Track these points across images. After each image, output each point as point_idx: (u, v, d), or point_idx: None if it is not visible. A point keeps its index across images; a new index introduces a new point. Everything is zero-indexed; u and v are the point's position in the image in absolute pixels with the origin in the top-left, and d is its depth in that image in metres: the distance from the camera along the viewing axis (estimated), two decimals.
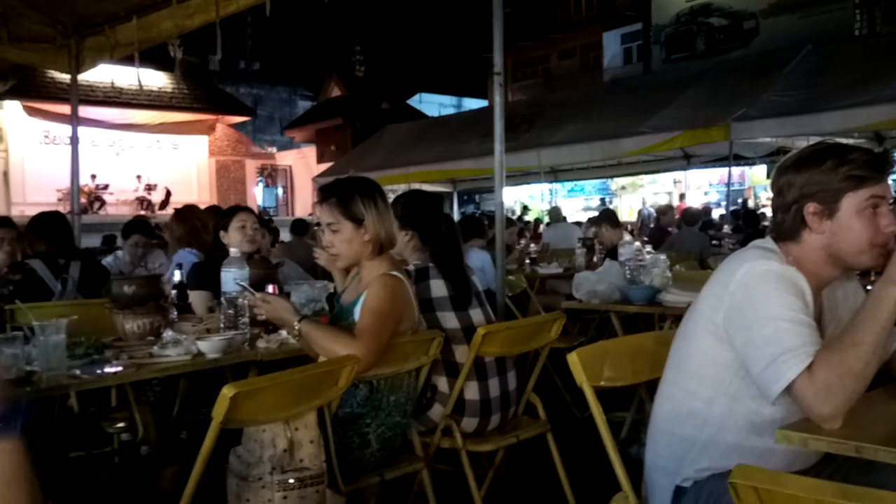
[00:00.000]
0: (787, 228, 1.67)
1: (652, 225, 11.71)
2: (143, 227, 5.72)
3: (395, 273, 2.40)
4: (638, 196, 21.07)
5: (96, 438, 3.46)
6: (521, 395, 2.86)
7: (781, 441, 1.42)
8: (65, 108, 14.70)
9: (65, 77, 12.36)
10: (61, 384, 2.23)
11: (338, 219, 2.39)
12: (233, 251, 2.93)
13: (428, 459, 2.53)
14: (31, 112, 15.29)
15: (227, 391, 1.73)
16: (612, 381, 1.90)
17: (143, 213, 15.35)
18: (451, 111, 24.32)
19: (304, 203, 19.61)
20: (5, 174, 15.93)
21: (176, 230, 3.90)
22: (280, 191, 20.59)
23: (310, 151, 20.88)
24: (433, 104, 24.90)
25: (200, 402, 2.96)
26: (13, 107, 14.88)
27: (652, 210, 15.43)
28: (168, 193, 17.57)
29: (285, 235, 8.43)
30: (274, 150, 21.66)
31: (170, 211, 15.42)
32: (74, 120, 5.62)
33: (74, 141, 5.56)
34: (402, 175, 12.68)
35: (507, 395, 2.78)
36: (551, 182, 14.35)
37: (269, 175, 20.39)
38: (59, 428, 3.04)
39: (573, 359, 1.81)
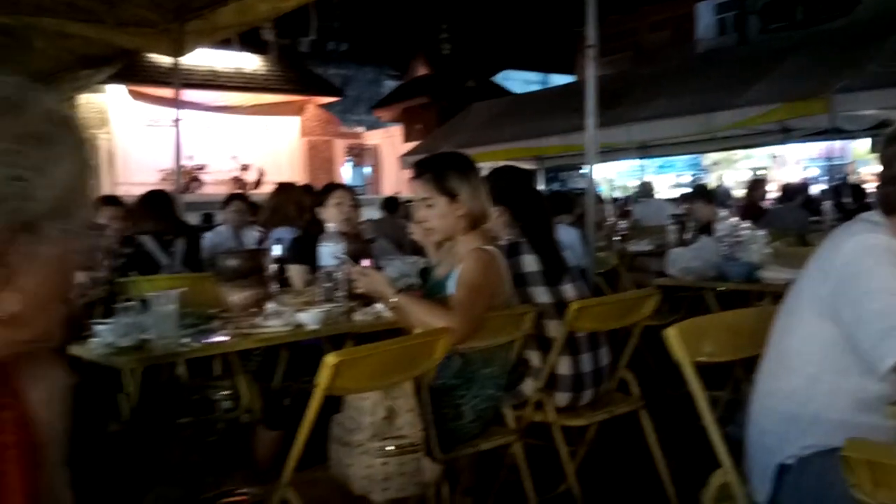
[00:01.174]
0: (894, 201, 1.61)
1: (729, 202, 11.30)
2: (240, 195, 6.00)
3: (488, 248, 2.42)
4: (732, 172, 20.41)
5: (201, 406, 3.64)
6: (613, 371, 2.84)
7: (891, 417, 1.38)
8: (165, 92, 15.30)
9: (165, 61, 12.83)
10: (174, 352, 2.37)
11: (432, 194, 2.43)
12: (330, 227, 3.01)
13: (520, 432, 2.56)
14: (135, 95, 15.98)
15: (331, 359, 1.79)
16: (712, 356, 1.87)
17: (238, 191, 15.87)
18: (536, 88, 24.06)
19: (391, 182, 19.83)
20: (110, 155, 16.71)
21: (274, 207, 4.03)
22: (368, 170, 20.87)
23: (396, 131, 21.06)
24: (518, 81, 24.68)
25: (300, 371, 3.08)
26: (117, 91, 15.57)
27: (728, 187, 14.94)
28: (261, 173, 18.06)
29: (372, 213, 8.57)
30: (362, 129, 21.96)
31: (263, 190, 15.83)
32: (177, 103, 5.83)
33: (177, 123, 5.78)
34: (487, 153, 12.63)
35: (599, 371, 2.78)
36: (641, 158, 14.04)
37: (357, 154, 20.68)
38: (169, 395, 3.21)
39: (672, 333, 1.79)
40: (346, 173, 20.02)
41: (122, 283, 3.53)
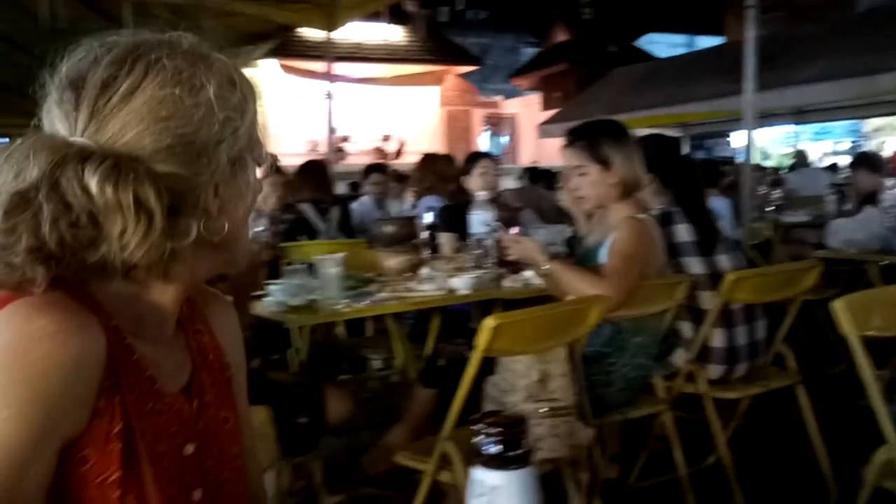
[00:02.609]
0: None
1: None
2: (379, 167, 6.19)
3: (641, 216, 2.41)
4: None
5: (356, 364, 3.85)
6: (769, 344, 2.77)
7: None
8: (314, 66, 15.90)
9: (314, 36, 13.27)
10: (338, 312, 2.53)
11: (585, 162, 2.44)
12: (480, 195, 3.09)
13: (670, 403, 2.56)
14: (286, 69, 16.72)
15: (489, 322, 1.86)
16: (882, 330, 1.81)
17: (377, 162, 16.34)
18: (681, 51, 23.10)
19: (528, 151, 19.75)
20: (263, 128, 17.61)
21: (421, 176, 4.14)
22: (505, 139, 20.87)
23: (534, 99, 20.88)
24: (662, 44, 23.75)
25: (449, 335, 3.20)
26: (270, 65, 16.32)
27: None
28: (402, 143, 18.48)
29: (508, 183, 8.59)
30: (500, 98, 21.94)
31: (404, 160, 16.19)
32: (329, 76, 6.06)
33: (330, 96, 6.01)
34: (629, 120, 12.28)
35: (755, 344, 2.71)
36: (795, 124, 13.27)
37: (495, 124, 20.71)
38: (329, 353, 3.42)
39: (840, 305, 1.74)
40: (483, 143, 20.11)
41: (285, 248, 3.77)
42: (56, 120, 0.78)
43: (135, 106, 0.76)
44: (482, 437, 0.48)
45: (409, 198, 5.89)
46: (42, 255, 0.71)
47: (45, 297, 0.72)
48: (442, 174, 4.15)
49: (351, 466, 2.86)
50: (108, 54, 0.78)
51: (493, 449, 0.48)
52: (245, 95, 0.84)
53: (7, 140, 0.86)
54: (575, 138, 2.47)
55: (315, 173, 4.30)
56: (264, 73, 16.80)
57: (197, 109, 0.78)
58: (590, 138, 2.44)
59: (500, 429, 0.48)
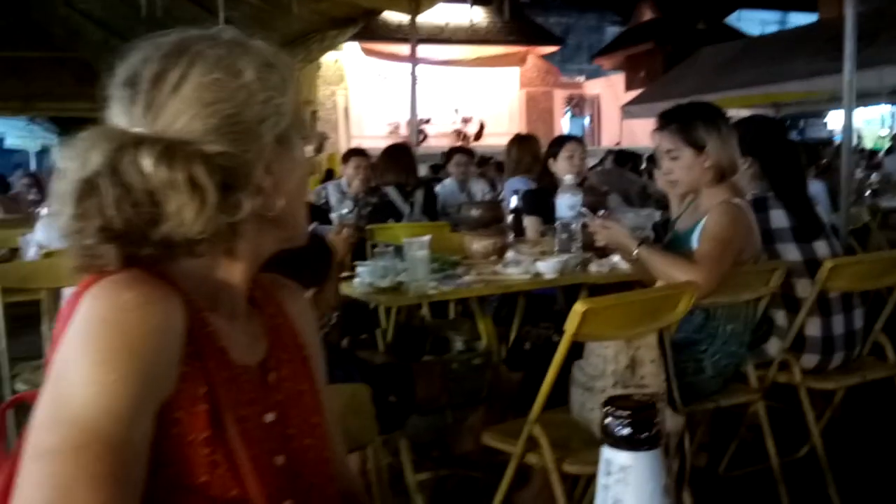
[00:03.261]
0: None
1: None
2: (462, 150, 6.19)
3: (736, 201, 2.36)
4: None
5: (440, 346, 3.89)
6: (867, 334, 2.67)
7: None
8: (396, 48, 16.01)
9: (396, 18, 13.32)
10: (426, 293, 2.56)
11: (677, 145, 2.39)
12: (567, 179, 3.07)
13: (763, 392, 2.50)
14: (368, 52, 16.89)
15: (579, 307, 1.85)
16: None
17: (459, 143, 16.36)
18: (773, 28, 22.23)
19: (610, 132, 19.43)
20: (346, 110, 17.86)
21: (515, 157, 4.13)
22: (587, 120, 20.59)
23: (618, 79, 20.50)
24: (754, 21, 22.89)
25: (533, 318, 3.20)
26: (352, 48, 16.53)
27: None
28: (482, 126, 18.45)
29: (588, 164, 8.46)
30: (582, 79, 21.62)
31: (484, 142, 16.18)
32: (413, 59, 6.09)
33: (414, 78, 6.05)
34: (718, 100, 11.95)
35: (852, 334, 2.62)
36: (892, 104, 12.62)
37: (577, 105, 20.44)
38: (415, 334, 3.47)
39: None
40: (564, 124, 19.89)
41: (371, 230, 3.84)
42: (116, 116, 0.86)
43: (184, 94, 0.83)
44: (612, 419, 0.49)
45: (485, 181, 5.90)
46: (111, 234, 0.79)
47: (127, 275, 0.79)
48: (536, 155, 4.13)
49: (435, 446, 2.91)
50: (158, 52, 0.86)
51: (624, 431, 0.49)
52: (284, 77, 0.88)
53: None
54: (667, 121, 2.43)
55: (399, 157, 4.36)
56: (346, 57, 17.04)
57: (239, 91, 0.84)
58: (683, 121, 2.39)
59: (629, 412, 0.49)
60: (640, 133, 17.50)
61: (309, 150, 1.04)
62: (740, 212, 2.33)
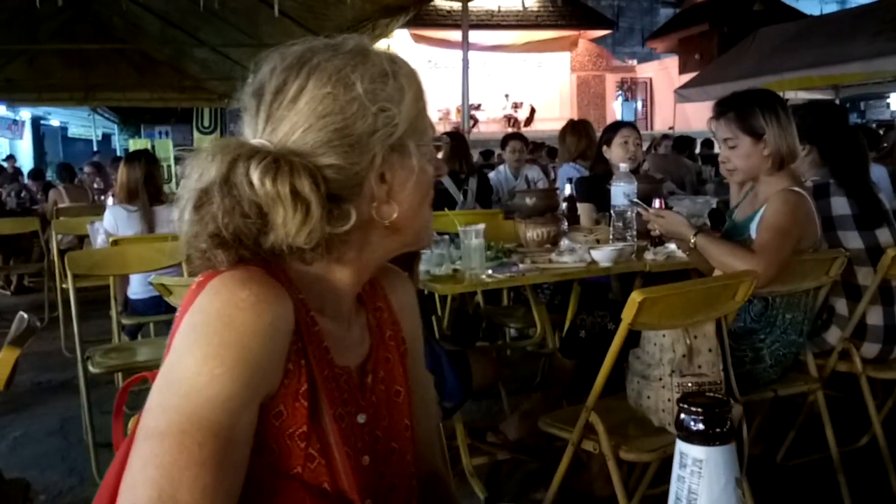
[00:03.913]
0: None
1: None
2: (517, 135, 6.17)
3: (796, 189, 2.33)
4: None
5: (493, 332, 3.93)
6: None
7: None
8: (446, 34, 16.03)
9: (446, 4, 13.27)
10: (482, 281, 2.59)
11: (735, 133, 2.37)
12: (622, 166, 3.05)
13: (822, 381, 2.47)
14: (417, 39, 16.94)
15: (637, 296, 1.86)
16: None
17: (510, 129, 16.32)
18: (833, 8, 21.58)
19: (664, 116, 19.13)
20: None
21: (569, 143, 4.12)
22: (639, 104, 20.32)
23: (671, 62, 20.16)
24: (814, 1, 22.28)
25: (587, 306, 3.20)
26: (401, 35, 16.60)
27: None
28: (532, 111, 18.38)
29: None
30: (634, 62, 21.33)
31: (534, 128, 16.05)
32: (465, 44, 6.10)
33: (465, 64, 6.06)
34: (775, 82, 11.67)
35: None
36: None
37: (629, 89, 20.19)
38: (470, 320, 3.51)
39: None
40: (616, 108, 19.65)
41: None
42: (245, 126, 0.90)
43: (300, 107, 0.86)
44: (687, 414, 0.52)
45: (539, 167, 5.88)
46: (220, 241, 0.83)
47: (246, 272, 0.82)
48: (591, 141, 4.10)
49: (490, 431, 2.95)
50: (282, 63, 0.88)
51: (698, 426, 0.52)
52: (402, 85, 0.89)
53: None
54: (724, 109, 2.40)
55: (453, 145, 4.38)
56: (396, 44, 17.10)
57: (350, 104, 0.85)
58: (740, 109, 2.36)
59: (703, 408, 0.52)
60: (694, 117, 17.19)
61: (439, 154, 1.03)
62: (800, 200, 2.30)
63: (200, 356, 0.76)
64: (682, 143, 7.89)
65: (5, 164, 12.77)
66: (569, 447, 2.05)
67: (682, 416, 0.52)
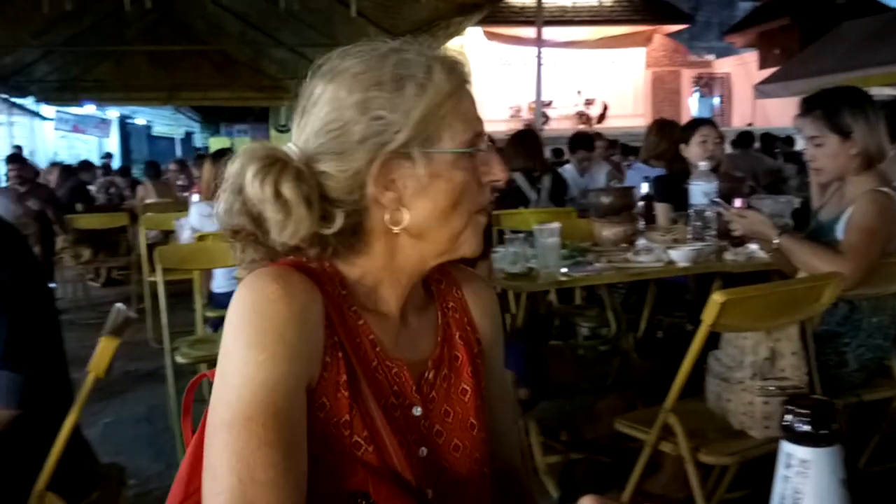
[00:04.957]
0: None
1: None
2: (585, 144, 6.02)
3: (884, 189, 2.26)
4: None
5: (566, 331, 3.93)
6: None
7: None
8: (518, 31, 15.96)
9: (518, 1, 13.22)
10: (556, 280, 2.60)
11: (822, 132, 2.31)
12: (702, 165, 3.01)
13: None
14: (490, 37, 16.92)
15: (718, 297, 1.84)
16: None
17: (581, 126, 16.15)
18: None
19: (741, 113, 18.63)
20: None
21: (654, 142, 4.05)
22: (716, 100, 19.81)
23: (750, 57, 19.57)
24: None
25: (663, 307, 3.17)
26: (474, 33, 16.61)
27: None
28: (605, 107, 18.13)
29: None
30: (711, 57, 20.80)
31: (607, 125, 15.82)
32: (539, 41, 6.08)
33: (539, 61, 6.04)
34: (859, 78, 11.24)
35: None
36: None
37: (706, 84, 19.68)
38: (543, 319, 3.51)
39: None
40: (692, 105, 19.21)
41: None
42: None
43: (316, 112, 0.90)
44: (793, 416, 0.53)
45: (611, 165, 5.78)
46: (243, 236, 0.91)
47: (276, 268, 0.88)
48: (675, 140, 4.02)
49: (563, 430, 2.95)
50: (319, 68, 0.92)
51: (804, 428, 0.53)
52: (410, 93, 0.87)
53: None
54: (811, 107, 2.34)
55: (527, 142, 4.36)
56: (468, 42, 17.12)
57: (348, 111, 0.88)
58: (827, 107, 2.30)
59: (809, 409, 0.53)
60: (774, 114, 16.69)
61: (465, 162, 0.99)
62: (888, 201, 2.23)
63: (243, 346, 0.82)
64: (745, 139, 7.64)
65: (98, 163, 13.32)
66: (645, 448, 2.05)
67: (789, 417, 0.53)
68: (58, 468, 1.69)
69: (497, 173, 0.93)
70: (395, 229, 0.90)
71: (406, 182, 0.88)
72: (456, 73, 0.90)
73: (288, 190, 0.86)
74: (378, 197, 0.88)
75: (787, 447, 0.54)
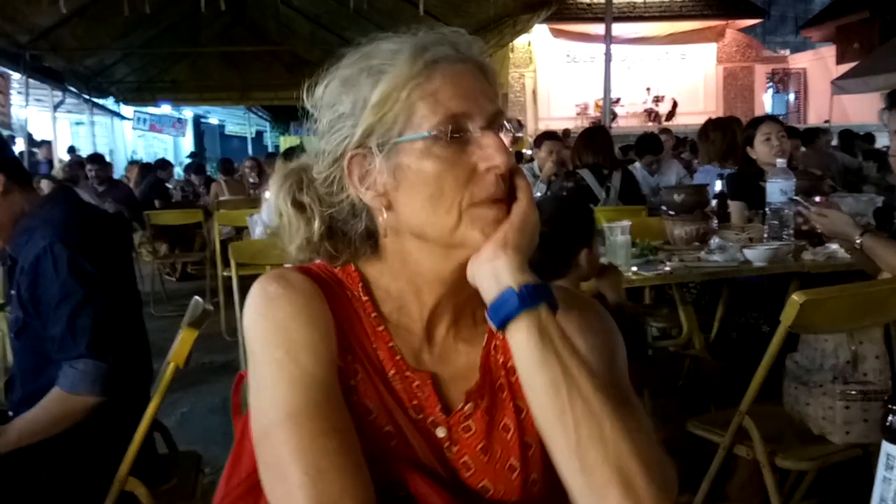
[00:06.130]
0: None
1: None
2: (653, 147, 5.88)
3: None
4: None
5: (634, 331, 3.85)
6: None
7: None
8: (586, 28, 15.79)
9: None
10: (627, 279, 2.56)
11: None
12: (779, 162, 2.93)
13: None
14: (556, 34, 16.78)
15: (798, 298, 1.79)
16: None
17: (650, 124, 15.88)
18: None
19: (818, 109, 18.03)
20: (534, 93, 17.88)
21: (712, 143, 3.97)
22: (791, 96, 19.22)
23: (828, 52, 18.91)
24: None
25: (737, 307, 3.09)
26: (541, 30, 16.50)
27: None
28: (675, 104, 17.79)
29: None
30: (786, 52, 20.20)
31: (676, 122, 15.51)
32: (608, 38, 6.01)
33: (608, 58, 5.97)
34: None
35: None
36: None
37: (781, 80, 19.12)
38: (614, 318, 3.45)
39: None
40: (766, 101, 18.69)
41: None
42: None
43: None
44: (894, 416, 0.51)
45: (681, 163, 5.67)
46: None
47: (279, 270, 0.89)
48: (733, 140, 3.91)
49: None
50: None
51: None
52: (379, 72, 0.82)
53: None
54: None
55: (597, 139, 4.31)
56: (535, 39, 17.01)
57: (324, 111, 0.88)
58: None
59: None
60: (852, 110, 16.10)
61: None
62: None
63: (260, 348, 0.84)
64: (809, 135, 7.35)
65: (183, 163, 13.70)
66: (720, 451, 2.00)
67: (892, 417, 0.52)
68: (139, 454, 1.75)
69: (495, 159, 0.81)
70: (386, 229, 0.86)
71: (380, 178, 0.83)
72: (426, 54, 0.82)
73: (282, 200, 0.90)
74: (361, 197, 0.86)
75: (888, 448, 0.52)
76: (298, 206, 0.89)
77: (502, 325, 0.80)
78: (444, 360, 0.91)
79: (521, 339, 0.79)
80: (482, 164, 0.82)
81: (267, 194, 4.72)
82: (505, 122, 0.86)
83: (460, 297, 0.90)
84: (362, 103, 0.82)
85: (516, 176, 0.84)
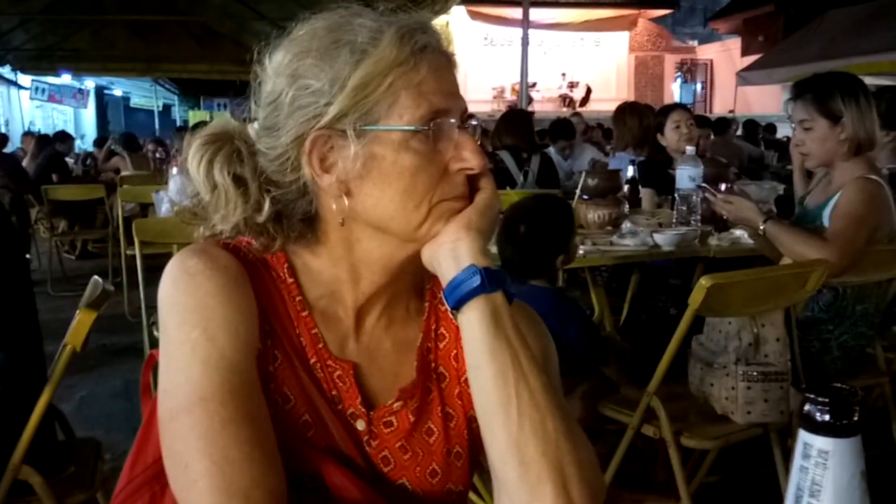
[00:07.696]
0: None
1: None
2: (566, 132, 5.98)
3: (872, 176, 2.26)
4: None
5: None
6: None
7: None
8: (503, 11, 15.85)
9: None
10: None
11: (812, 116, 2.30)
12: (688, 149, 3.00)
13: (891, 375, 2.41)
14: (474, 16, 16.79)
15: (705, 282, 1.83)
16: None
17: (565, 109, 16.12)
18: None
19: (724, 99, 18.68)
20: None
21: (628, 128, 4.03)
22: (698, 86, 19.86)
23: (734, 44, 19.59)
24: None
25: (648, 290, 3.17)
26: (459, 12, 16.48)
27: None
28: (588, 90, 18.11)
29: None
30: (695, 43, 20.82)
31: (590, 108, 15.75)
32: (525, 22, 6.03)
33: (525, 42, 6.00)
34: (843, 67, 11.28)
35: None
36: None
37: (689, 70, 19.72)
38: None
39: None
40: (675, 90, 19.26)
41: None
42: None
43: (263, 83, 0.85)
44: (813, 405, 0.51)
45: (595, 148, 5.77)
46: (190, 217, 0.89)
47: (200, 245, 0.84)
48: (648, 127, 4.00)
49: None
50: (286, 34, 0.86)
51: (825, 417, 0.51)
52: (347, 61, 0.77)
53: None
54: (802, 91, 2.34)
55: (516, 121, 4.32)
56: (452, 20, 16.97)
57: (281, 79, 0.81)
58: (819, 91, 2.30)
59: (830, 399, 0.51)
60: (755, 101, 16.76)
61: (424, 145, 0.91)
62: (876, 188, 2.24)
63: (175, 326, 0.78)
64: (722, 125, 7.65)
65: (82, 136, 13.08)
66: (628, 431, 2.04)
67: (809, 406, 0.52)
68: (34, 442, 1.66)
69: (471, 161, 0.80)
70: (341, 218, 0.82)
71: (345, 164, 0.79)
72: (413, 41, 0.78)
73: (218, 170, 0.82)
74: (317, 180, 0.80)
75: (805, 437, 0.52)
76: (237, 180, 0.82)
77: (457, 305, 0.78)
78: (370, 351, 0.89)
79: (474, 323, 0.78)
80: (457, 165, 0.81)
81: (174, 170, 4.54)
82: (472, 121, 0.85)
83: (399, 287, 0.89)
84: (341, 83, 0.77)
85: (483, 174, 0.83)
